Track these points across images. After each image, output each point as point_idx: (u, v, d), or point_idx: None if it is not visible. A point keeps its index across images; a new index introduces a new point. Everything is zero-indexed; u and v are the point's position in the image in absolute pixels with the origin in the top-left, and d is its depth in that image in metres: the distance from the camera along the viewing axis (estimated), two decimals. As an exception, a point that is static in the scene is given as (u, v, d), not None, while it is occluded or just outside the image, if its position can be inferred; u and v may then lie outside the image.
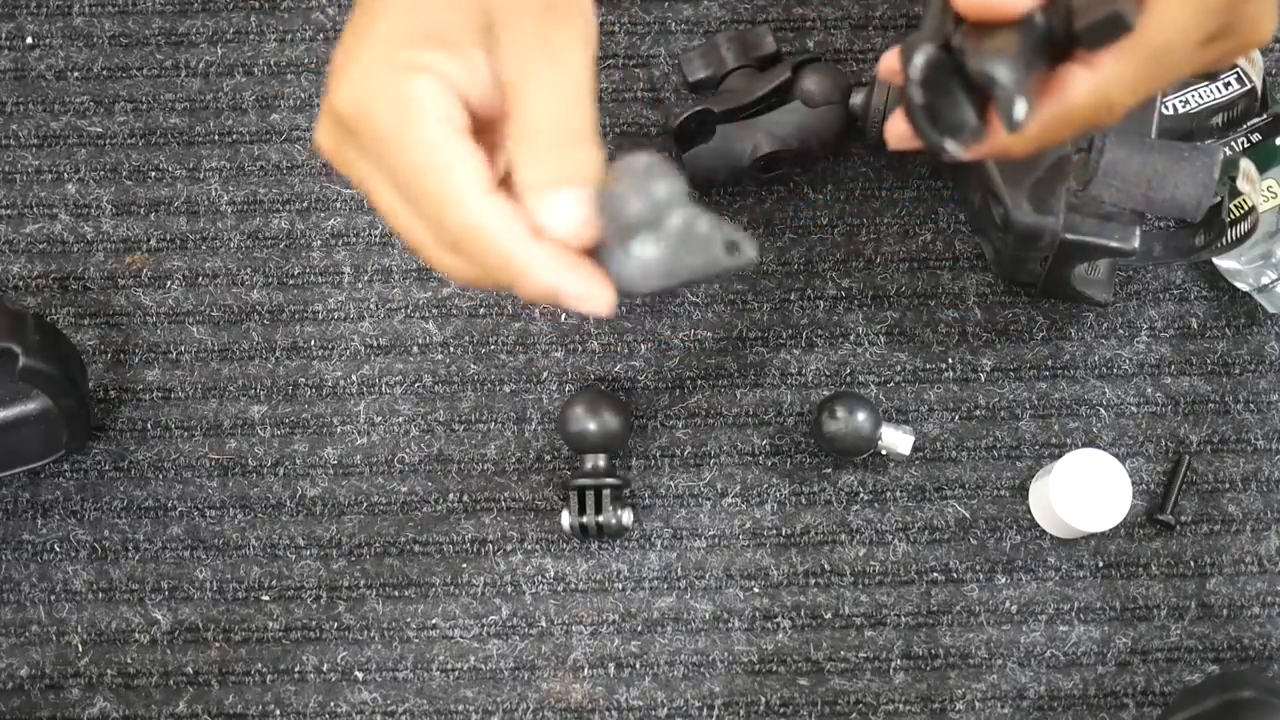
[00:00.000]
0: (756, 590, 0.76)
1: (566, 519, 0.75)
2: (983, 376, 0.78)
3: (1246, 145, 0.78)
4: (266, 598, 0.76)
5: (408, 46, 0.51)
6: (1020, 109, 0.52)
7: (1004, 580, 0.76)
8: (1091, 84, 0.54)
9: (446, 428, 0.78)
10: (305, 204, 0.81)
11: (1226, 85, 0.76)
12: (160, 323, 0.80)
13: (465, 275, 0.53)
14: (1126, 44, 0.53)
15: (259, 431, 0.78)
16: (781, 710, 0.75)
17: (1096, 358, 0.78)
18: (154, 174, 0.82)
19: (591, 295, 0.51)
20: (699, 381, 0.78)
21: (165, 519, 0.77)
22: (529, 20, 0.51)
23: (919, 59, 0.54)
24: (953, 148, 0.55)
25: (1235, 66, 0.72)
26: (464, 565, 0.77)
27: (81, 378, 0.75)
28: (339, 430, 0.78)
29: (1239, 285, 0.78)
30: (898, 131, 0.60)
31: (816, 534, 0.77)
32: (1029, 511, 0.77)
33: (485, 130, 0.53)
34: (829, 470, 0.77)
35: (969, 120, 0.54)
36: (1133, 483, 0.75)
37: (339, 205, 0.81)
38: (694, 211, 0.51)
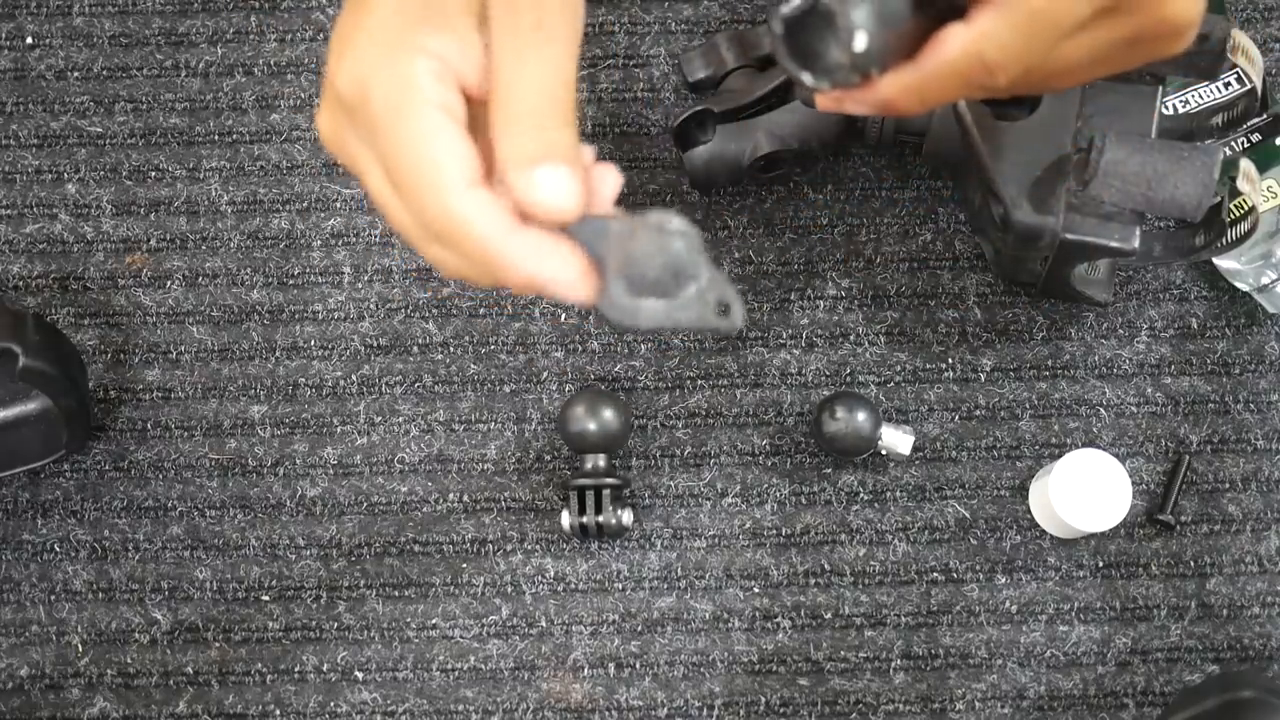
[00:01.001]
0: (756, 590, 0.76)
1: (566, 519, 0.75)
2: (983, 376, 0.78)
3: (1246, 145, 0.78)
4: (266, 598, 0.76)
5: (409, 27, 0.51)
6: (860, 40, 0.52)
7: (1004, 580, 0.76)
8: (965, 39, 0.53)
9: (446, 428, 0.78)
10: (305, 204, 0.81)
11: (1226, 85, 0.76)
12: (160, 323, 0.80)
13: (453, 267, 0.54)
14: (1004, 1, 0.52)
15: (259, 431, 0.78)
16: (781, 710, 0.75)
17: (1096, 358, 0.78)
18: (154, 174, 0.82)
19: (573, 283, 0.52)
20: (699, 381, 0.78)
21: (165, 519, 0.77)
22: (520, 2, 0.51)
23: (789, 6, 0.54)
24: (809, 79, 0.54)
25: (1235, 66, 0.72)
26: (464, 565, 0.77)
27: (81, 378, 0.75)
28: (339, 430, 0.78)
29: (1239, 285, 0.78)
30: (820, 98, 0.58)
31: (816, 534, 0.77)
32: (1029, 511, 0.77)
33: (478, 109, 0.53)
34: (829, 470, 0.77)
35: (831, 56, 0.54)
36: (1133, 483, 0.75)
37: (339, 205, 0.81)
38: (706, 276, 0.53)
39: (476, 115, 0.53)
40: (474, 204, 0.51)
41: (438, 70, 0.51)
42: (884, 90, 0.55)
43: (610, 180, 0.55)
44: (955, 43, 0.54)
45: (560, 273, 0.52)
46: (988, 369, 0.78)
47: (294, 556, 0.77)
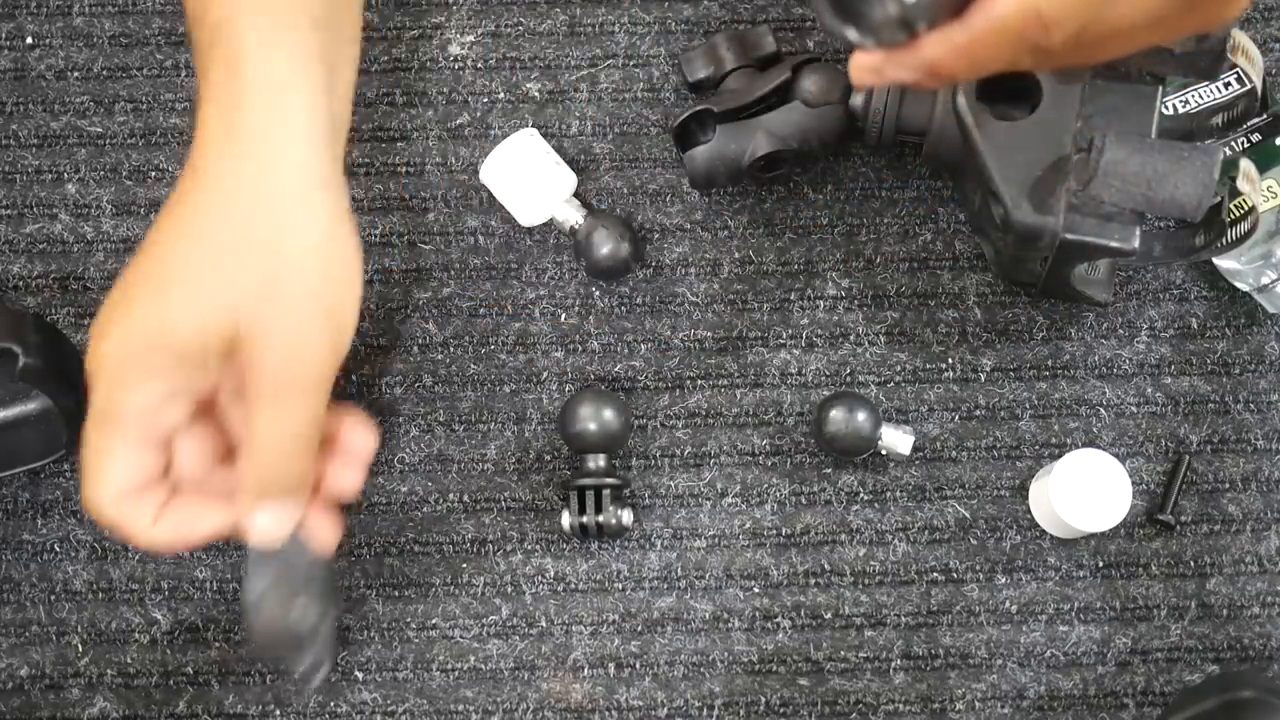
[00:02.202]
0: (756, 590, 0.76)
1: (566, 519, 0.75)
2: (983, 376, 0.78)
3: (1246, 145, 0.78)
4: (266, 598, 0.76)
5: (140, 363, 0.58)
6: None
7: (1004, 580, 0.76)
8: None
9: (446, 428, 0.78)
10: (305, 204, 0.81)
11: (1226, 85, 0.76)
12: (160, 323, 0.80)
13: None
14: None
15: (259, 431, 0.78)
16: (781, 710, 0.75)
17: (1096, 358, 0.78)
18: (154, 174, 0.82)
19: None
20: (699, 381, 0.78)
21: (165, 519, 0.77)
22: (261, 358, 0.58)
23: None
24: (854, 35, 0.52)
25: (1235, 66, 0.72)
26: (464, 565, 0.77)
27: (81, 378, 0.75)
28: (339, 430, 0.78)
29: (1239, 285, 0.78)
30: (860, 63, 0.57)
31: (816, 534, 0.77)
32: (1029, 511, 0.77)
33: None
34: (829, 470, 0.77)
35: (877, 10, 0.51)
36: (1133, 483, 0.75)
37: (339, 205, 0.81)
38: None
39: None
40: (112, 510, 0.60)
41: (158, 392, 0.59)
42: (930, 50, 0.53)
43: (361, 443, 0.64)
44: None
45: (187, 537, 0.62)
46: (988, 369, 0.78)
47: (294, 556, 0.77)
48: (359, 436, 0.64)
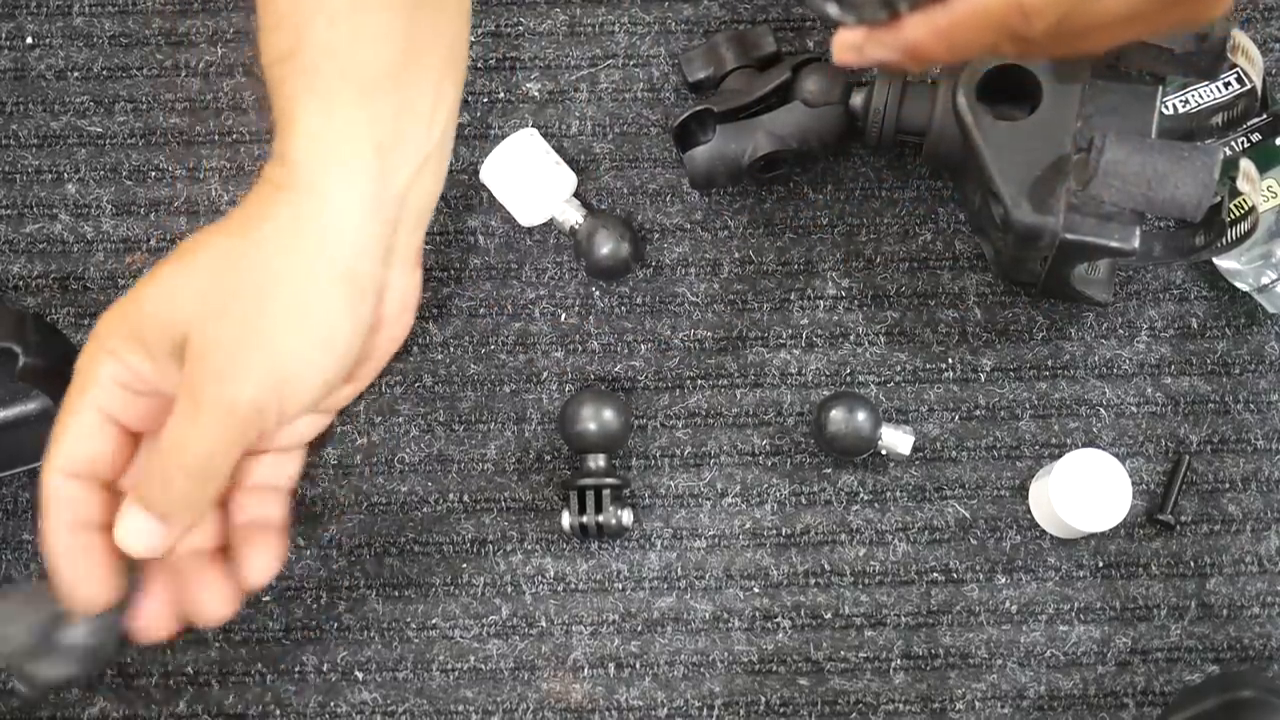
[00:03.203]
0: (756, 590, 0.76)
1: (566, 519, 0.75)
2: (983, 376, 0.78)
3: (1246, 145, 0.78)
4: (266, 598, 0.76)
5: (119, 333, 0.59)
6: None
7: (1004, 580, 0.76)
8: None
9: (446, 428, 0.78)
10: (305, 204, 0.81)
11: (1226, 85, 0.76)
12: (160, 323, 0.80)
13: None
14: None
15: (259, 431, 0.78)
16: (781, 710, 0.75)
17: (1096, 358, 0.78)
18: (154, 174, 0.82)
19: (82, 592, 0.59)
20: (699, 381, 0.78)
21: (165, 519, 0.77)
22: (192, 370, 0.57)
23: None
24: (835, 11, 0.53)
25: (1235, 66, 0.72)
26: (464, 565, 0.77)
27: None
28: (339, 430, 0.78)
29: (1239, 285, 0.78)
30: (842, 40, 0.57)
31: (816, 534, 0.77)
32: (1029, 511, 0.77)
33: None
34: (829, 470, 0.77)
35: None
36: (1133, 483, 0.75)
37: (339, 205, 0.81)
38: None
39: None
40: (55, 486, 0.59)
41: (115, 369, 0.59)
42: (911, 31, 0.53)
43: (260, 566, 0.64)
44: None
45: (75, 584, 0.59)
46: (988, 369, 0.78)
47: (294, 556, 0.77)
48: (259, 556, 0.64)
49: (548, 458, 0.78)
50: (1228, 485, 0.77)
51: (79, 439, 0.60)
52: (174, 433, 0.57)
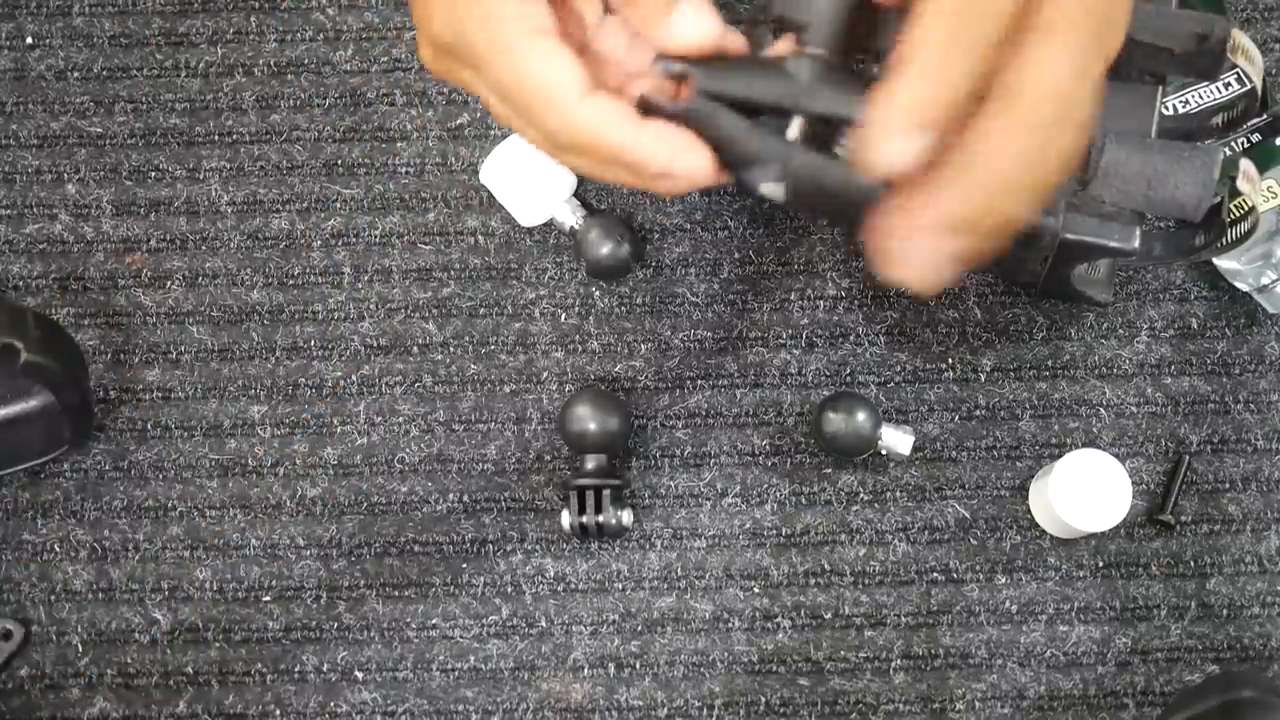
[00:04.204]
0: (756, 590, 0.76)
1: (566, 519, 0.75)
2: (983, 376, 0.78)
3: (1246, 145, 0.78)
4: (266, 598, 0.76)
5: None
6: (794, 129, 0.54)
7: (1004, 580, 0.76)
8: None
9: (446, 428, 0.78)
10: (305, 204, 0.81)
11: (1226, 85, 0.76)
12: (160, 323, 0.80)
13: (589, 172, 0.56)
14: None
15: (259, 431, 0.78)
16: (781, 710, 0.75)
17: (1096, 358, 0.78)
18: (154, 174, 0.82)
19: (702, 168, 0.54)
20: (699, 381, 0.79)
21: (165, 519, 0.77)
22: None
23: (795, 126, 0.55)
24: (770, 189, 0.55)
25: (1235, 66, 0.72)
26: (464, 565, 0.77)
27: (83, 373, 0.75)
28: (339, 430, 0.78)
29: (1239, 285, 0.78)
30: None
31: (816, 534, 0.77)
32: (1029, 511, 0.77)
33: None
34: (829, 470, 0.77)
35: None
36: (1133, 483, 0.75)
37: (339, 205, 0.81)
38: None
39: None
40: (593, 112, 0.53)
41: None
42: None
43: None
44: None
45: (690, 161, 0.54)
46: (988, 369, 0.78)
47: (294, 556, 0.77)
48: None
49: (548, 458, 0.78)
50: (1228, 485, 0.77)
51: (558, 64, 0.53)
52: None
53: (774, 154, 0.55)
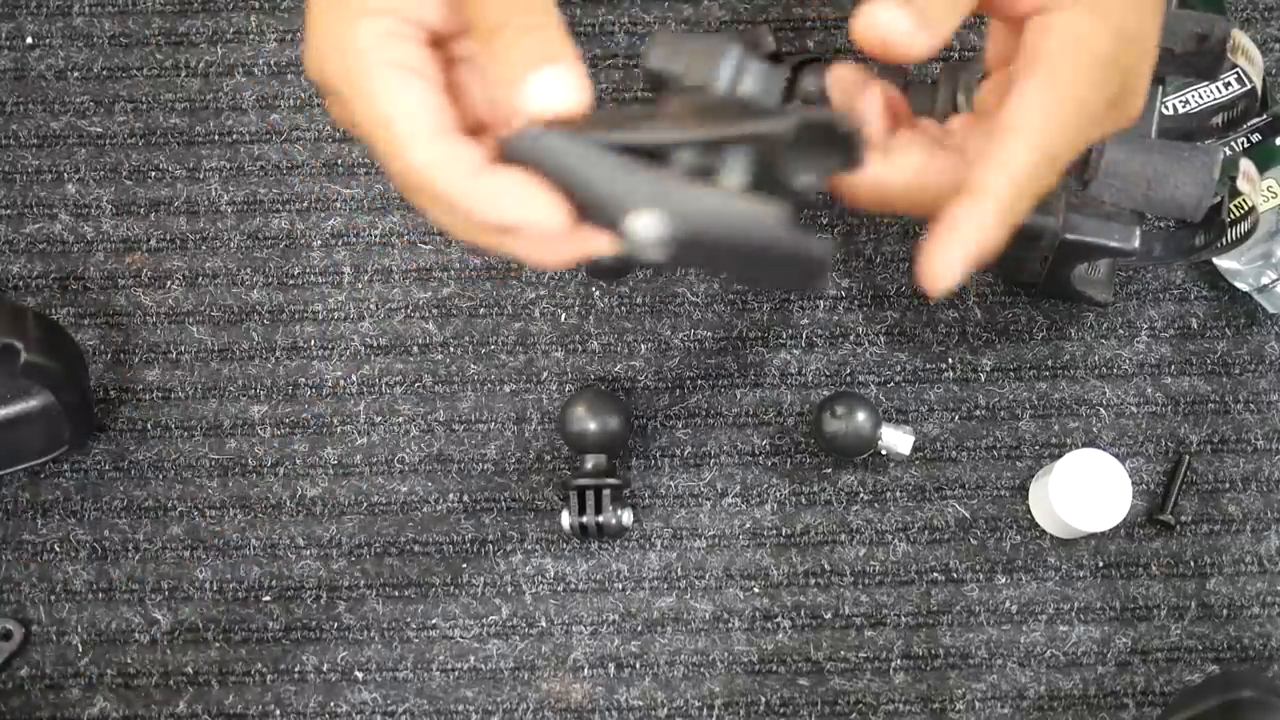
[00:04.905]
0: (756, 590, 0.76)
1: (566, 519, 0.75)
2: (983, 376, 0.78)
3: (1246, 145, 0.78)
4: (266, 598, 0.76)
5: None
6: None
7: (1004, 580, 0.76)
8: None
9: (446, 428, 0.78)
10: (305, 204, 0.81)
11: (1226, 85, 0.76)
12: (160, 323, 0.80)
13: (436, 220, 0.52)
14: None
15: (259, 431, 0.78)
16: (781, 710, 0.75)
17: (1096, 358, 0.78)
18: (154, 174, 0.82)
19: (548, 225, 0.48)
20: (699, 381, 0.78)
21: (165, 519, 0.77)
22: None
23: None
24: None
25: (1235, 66, 0.72)
26: (464, 565, 0.77)
27: (83, 372, 0.75)
28: (339, 430, 0.78)
29: (1239, 285, 0.78)
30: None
31: (816, 534, 0.77)
32: (1029, 511, 0.77)
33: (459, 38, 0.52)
34: (829, 470, 0.77)
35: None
36: (1133, 483, 0.75)
37: (339, 205, 0.81)
38: None
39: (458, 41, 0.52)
40: (436, 155, 0.49)
41: (385, 25, 0.50)
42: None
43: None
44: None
45: (535, 211, 0.48)
46: (988, 369, 0.78)
47: (294, 556, 0.77)
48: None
49: (548, 458, 0.78)
50: (1228, 485, 0.77)
51: (411, 101, 0.50)
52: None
53: (648, 194, 0.46)
